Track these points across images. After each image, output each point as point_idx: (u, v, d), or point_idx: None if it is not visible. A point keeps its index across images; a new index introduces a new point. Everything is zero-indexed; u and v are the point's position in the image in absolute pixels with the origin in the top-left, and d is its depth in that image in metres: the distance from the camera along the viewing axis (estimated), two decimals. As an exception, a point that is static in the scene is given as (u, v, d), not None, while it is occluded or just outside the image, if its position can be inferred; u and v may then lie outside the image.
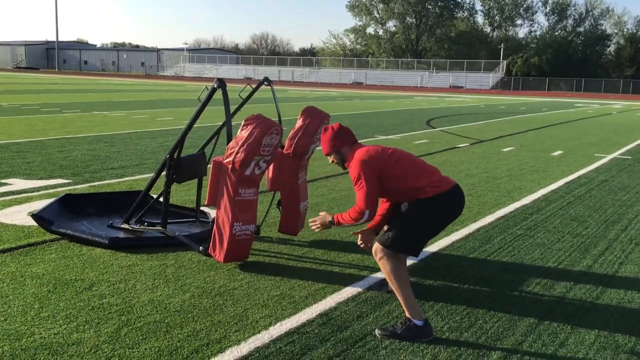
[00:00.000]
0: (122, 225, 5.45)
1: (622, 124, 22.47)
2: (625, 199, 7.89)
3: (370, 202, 3.72)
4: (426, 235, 3.88)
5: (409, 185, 3.76)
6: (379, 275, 4.60)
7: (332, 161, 4.09)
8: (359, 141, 4.09)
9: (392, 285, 3.73)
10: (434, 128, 17.60)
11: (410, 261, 4.98)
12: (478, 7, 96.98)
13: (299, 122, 5.22)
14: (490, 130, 17.54)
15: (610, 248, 5.64)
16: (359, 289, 4.34)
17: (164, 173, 5.20)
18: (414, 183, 3.75)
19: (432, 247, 5.40)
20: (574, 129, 19.00)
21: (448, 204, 3.80)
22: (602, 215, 6.95)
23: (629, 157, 12.22)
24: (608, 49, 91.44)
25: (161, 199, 5.35)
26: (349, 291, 4.31)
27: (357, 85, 72.99)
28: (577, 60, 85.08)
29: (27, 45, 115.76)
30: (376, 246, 3.78)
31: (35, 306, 3.83)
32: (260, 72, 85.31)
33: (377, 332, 3.66)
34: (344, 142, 4.00)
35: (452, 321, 3.86)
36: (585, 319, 3.99)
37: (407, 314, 3.67)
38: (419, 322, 3.61)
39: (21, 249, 4.95)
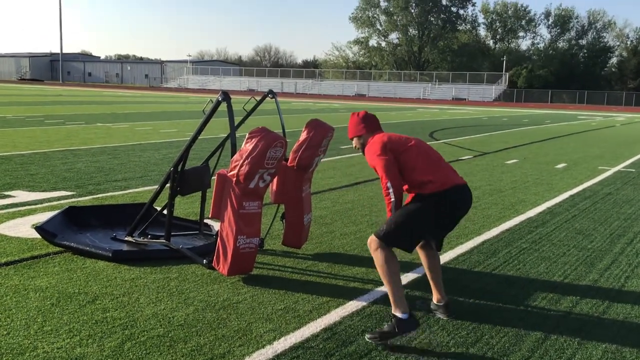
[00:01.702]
0: (126, 238, 5.44)
1: (626, 136, 22.44)
2: (630, 212, 7.85)
3: (390, 174, 3.76)
4: (421, 231, 3.89)
5: (414, 177, 3.81)
6: (383, 289, 4.57)
7: (355, 146, 4.19)
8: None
9: (382, 277, 3.77)
10: (437, 140, 17.59)
11: (415, 275, 4.97)
12: (480, 19, 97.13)
13: (303, 135, 5.22)
14: (493, 142, 17.53)
15: (616, 262, 5.60)
16: (364, 303, 4.32)
17: (168, 185, 5.20)
18: (418, 176, 3.80)
19: (437, 261, 5.36)
20: (578, 142, 18.97)
21: (446, 202, 3.80)
22: (607, 228, 6.91)
23: (633, 170, 12.19)
24: (611, 61, 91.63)
25: (165, 212, 5.34)
26: (353, 305, 4.28)
27: (360, 97, 73.10)
28: (580, 73, 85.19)
29: (32, 57, 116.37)
30: (371, 237, 3.83)
31: (39, 320, 3.81)
32: (263, 84, 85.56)
33: (366, 337, 3.71)
34: (366, 128, 4.10)
35: (458, 336, 3.83)
36: (592, 333, 3.95)
37: (393, 309, 3.71)
38: (403, 316, 3.66)
39: (25, 262, 4.93)
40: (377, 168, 3.84)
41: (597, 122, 32.95)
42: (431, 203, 3.77)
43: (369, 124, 4.12)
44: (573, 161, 13.36)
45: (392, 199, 3.77)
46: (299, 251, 5.53)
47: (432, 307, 4.19)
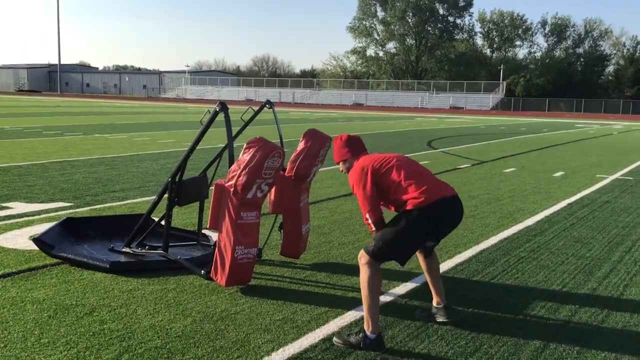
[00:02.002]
0: (124, 249, 5.42)
1: (624, 144, 22.48)
2: (629, 220, 7.86)
3: (367, 206, 3.83)
4: (411, 246, 3.92)
5: (399, 195, 3.82)
6: (381, 298, 4.55)
7: (342, 170, 4.25)
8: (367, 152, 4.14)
9: (363, 292, 3.81)
10: (435, 149, 17.62)
11: (414, 284, 4.96)
12: (477, 28, 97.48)
13: (301, 145, 5.22)
14: (491, 151, 17.55)
15: (615, 270, 5.60)
16: (362, 313, 4.29)
17: (165, 196, 5.19)
18: (403, 193, 3.81)
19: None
20: (575, 150, 19.01)
21: (434, 216, 3.79)
22: (605, 236, 6.91)
23: (631, 178, 12.20)
24: (608, 70, 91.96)
25: (163, 222, 5.33)
26: (352, 315, 4.27)
27: (358, 106, 73.23)
28: (577, 81, 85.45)
29: (30, 68, 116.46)
30: (361, 252, 3.87)
31: (36, 332, 3.79)
32: (261, 93, 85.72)
33: (334, 339, 3.80)
34: (350, 152, 4.14)
35: (457, 346, 3.82)
36: (591, 342, 3.94)
37: (365, 325, 3.75)
38: (371, 336, 3.71)
39: (22, 274, 4.92)
40: (357, 198, 3.91)
41: (594, 130, 33.02)
42: (419, 217, 3.76)
43: (353, 147, 4.16)
44: (571, 169, 13.37)
45: (373, 229, 3.86)
46: (297, 261, 5.52)
47: (432, 310, 4.19)
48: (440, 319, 4.11)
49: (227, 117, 4.87)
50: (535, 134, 27.36)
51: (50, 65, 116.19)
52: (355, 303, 4.50)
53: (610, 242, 6.64)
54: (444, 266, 5.50)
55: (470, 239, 6.58)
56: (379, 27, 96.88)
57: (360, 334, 3.74)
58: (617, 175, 12.64)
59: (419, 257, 4.23)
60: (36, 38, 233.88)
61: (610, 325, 4.25)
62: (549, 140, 23.33)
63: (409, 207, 3.76)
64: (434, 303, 4.18)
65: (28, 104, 47.38)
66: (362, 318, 4.19)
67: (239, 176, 4.45)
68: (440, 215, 3.82)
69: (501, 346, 3.83)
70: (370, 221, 3.84)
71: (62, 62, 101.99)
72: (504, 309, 4.49)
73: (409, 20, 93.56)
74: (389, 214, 3.89)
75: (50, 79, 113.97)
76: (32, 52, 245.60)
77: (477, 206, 8.51)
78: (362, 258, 3.83)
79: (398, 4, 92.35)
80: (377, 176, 3.86)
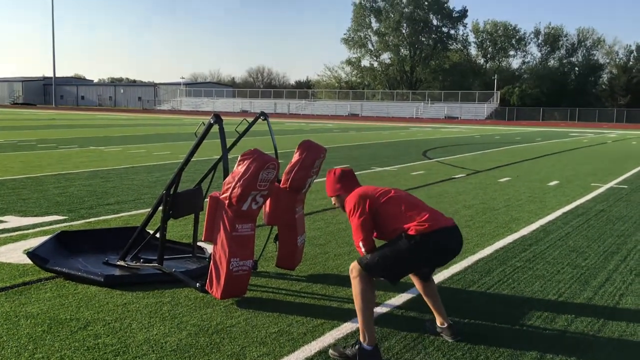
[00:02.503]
0: (118, 262, 5.40)
1: (618, 152, 22.57)
2: (624, 229, 7.87)
3: (361, 234, 3.81)
4: (404, 268, 3.92)
5: (397, 224, 3.80)
6: (377, 310, 4.54)
7: (334, 204, 4.21)
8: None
9: (356, 304, 3.80)
10: (430, 159, 17.65)
11: (410, 295, 4.95)
12: (471, 39, 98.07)
13: (296, 156, 5.22)
14: (486, 160, 17.59)
15: (610, 279, 5.60)
16: (358, 324, 4.28)
17: (160, 208, 5.17)
18: (400, 223, 3.79)
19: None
20: (570, 159, 19.06)
21: (432, 244, 3.76)
22: (600, 245, 6.92)
23: (626, 187, 12.23)
24: (601, 79, 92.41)
25: (158, 235, 5.31)
26: (347, 327, 4.25)
27: (353, 116, 73.40)
28: (571, 90, 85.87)
29: (25, 81, 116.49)
30: (354, 264, 3.86)
31: (30, 347, 3.76)
32: (256, 105, 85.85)
33: (330, 351, 3.79)
34: (343, 187, 4.09)
35: (454, 357, 3.81)
36: (588, 352, 3.94)
37: (360, 337, 3.74)
38: (367, 347, 3.70)
39: (16, 288, 4.89)
40: (352, 227, 3.89)
41: (588, 139, 33.14)
42: (420, 242, 3.73)
43: (346, 182, 4.12)
44: (565, 178, 13.40)
45: (365, 254, 3.84)
46: (293, 273, 5.51)
47: (437, 329, 4.16)
48: (447, 338, 4.08)
49: (221, 129, 4.87)
50: (530, 143, 27.45)
51: (45, 78, 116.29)
52: (351, 314, 4.47)
53: (605, 251, 6.64)
54: (440, 276, 5.49)
55: (466, 249, 6.57)
56: (374, 38, 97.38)
57: (356, 346, 3.72)
58: (612, 183, 12.67)
59: (415, 281, 4.21)
60: (31, 51, 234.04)
61: (606, 335, 4.25)
62: (543, 149, 23.40)
63: (411, 232, 3.73)
64: (438, 323, 4.15)
65: (23, 117, 47.33)
66: (357, 330, 4.18)
67: (233, 188, 4.44)
68: (440, 243, 3.81)
69: (498, 357, 3.82)
70: (363, 250, 3.83)
71: (57, 75, 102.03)
72: (500, 319, 4.48)
73: (403, 31, 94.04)
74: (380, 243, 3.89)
75: (45, 91, 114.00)
76: (27, 65, 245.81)
77: (473, 216, 8.51)
78: (354, 270, 3.82)
79: (392, 15, 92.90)
80: (376, 205, 3.85)
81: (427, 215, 3.79)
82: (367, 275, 3.79)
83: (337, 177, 4.14)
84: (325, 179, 4.29)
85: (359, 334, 3.79)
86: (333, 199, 4.20)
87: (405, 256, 3.76)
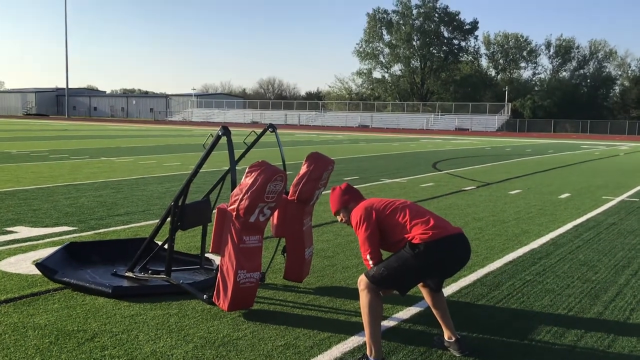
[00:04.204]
0: (126, 274, 5.41)
1: (630, 165, 22.41)
2: (635, 243, 7.79)
3: (369, 247, 3.82)
4: (411, 279, 3.90)
5: (404, 234, 3.81)
6: (385, 323, 4.52)
7: (341, 219, 4.20)
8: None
9: (364, 317, 3.80)
10: (440, 171, 17.60)
11: (417, 308, 4.92)
12: (482, 50, 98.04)
13: (304, 168, 5.23)
14: (496, 172, 17.52)
15: (621, 294, 5.54)
16: (365, 338, 4.25)
17: (169, 220, 5.19)
18: (406, 234, 3.79)
19: (440, 294, 5.31)
20: (581, 171, 18.95)
21: (437, 252, 3.76)
22: (611, 259, 6.85)
23: (638, 200, 12.13)
24: (613, 91, 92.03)
25: (166, 246, 5.32)
26: (354, 340, 4.23)
27: (363, 128, 73.45)
28: (583, 102, 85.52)
29: (38, 92, 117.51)
30: (361, 277, 3.87)
31: (37, 358, 3.77)
32: (267, 116, 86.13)
33: None
34: (351, 199, 4.12)
35: (461, 372, 3.77)
36: (598, 368, 3.89)
37: (367, 351, 3.75)
38: None
39: (24, 299, 4.90)
40: (359, 239, 3.90)
41: (600, 151, 32.95)
42: (425, 251, 3.73)
43: (353, 193, 4.16)
44: (577, 191, 13.32)
45: (372, 267, 3.83)
46: (300, 285, 5.49)
47: (445, 344, 4.13)
48: (455, 353, 4.04)
49: (229, 141, 4.88)
50: (541, 155, 27.32)
51: (57, 89, 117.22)
52: (359, 328, 4.45)
53: (616, 265, 6.58)
54: (449, 289, 5.46)
55: (475, 262, 6.53)
56: (385, 50, 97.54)
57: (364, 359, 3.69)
58: (624, 196, 12.57)
59: (424, 293, 4.19)
60: (44, 62, 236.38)
61: (616, 350, 4.20)
62: (554, 161, 23.28)
63: (415, 241, 3.74)
64: (446, 337, 4.12)
65: (35, 127, 47.73)
66: (364, 343, 4.16)
67: (241, 200, 4.44)
68: (447, 252, 3.80)
69: (506, 372, 3.78)
70: (371, 263, 3.83)
71: (69, 86, 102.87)
72: (509, 334, 4.44)
73: (414, 43, 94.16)
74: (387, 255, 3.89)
75: (58, 102, 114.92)
76: (40, 77, 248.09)
77: (482, 228, 8.47)
78: (362, 283, 3.82)
79: (404, 28, 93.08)
80: (381, 217, 3.86)
81: (432, 224, 3.79)
82: (375, 288, 3.77)
83: (343, 190, 4.18)
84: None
85: (365, 348, 3.77)
86: (340, 215, 4.20)
87: (410, 266, 3.75)
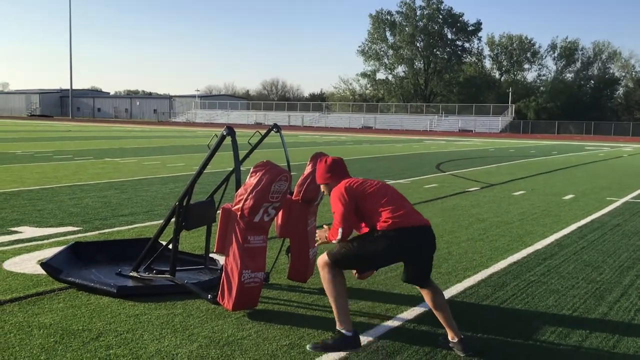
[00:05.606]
0: (131, 273, 5.42)
1: (634, 166, 22.36)
2: (640, 244, 7.78)
3: (343, 221, 3.96)
4: (371, 264, 4.14)
5: (375, 218, 3.97)
6: (389, 323, 4.53)
7: (324, 191, 4.40)
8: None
9: (328, 293, 3.99)
10: (444, 172, 17.58)
11: (422, 309, 4.91)
12: (486, 52, 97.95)
13: (308, 169, 5.23)
14: (500, 173, 17.50)
15: (626, 294, 5.53)
16: (370, 338, 4.26)
17: (173, 220, 5.19)
18: (379, 217, 3.95)
19: (444, 294, 5.30)
20: (585, 172, 18.91)
21: (400, 241, 3.91)
22: (616, 260, 6.84)
23: (642, 200, 12.10)
24: (617, 92, 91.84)
25: (170, 246, 5.33)
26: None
27: (367, 129, 73.44)
28: (587, 103, 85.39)
29: (42, 93, 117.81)
30: (322, 256, 4.05)
31: (42, 358, 3.78)
32: (270, 117, 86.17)
33: (308, 347, 3.95)
34: (333, 176, 4.25)
35: (466, 372, 3.77)
36: (603, 368, 3.88)
37: (338, 325, 3.94)
38: (347, 333, 3.88)
39: (29, 299, 4.92)
40: (335, 214, 4.02)
41: (604, 152, 32.89)
42: (382, 237, 3.91)
43: (336, 171, 4.28)
44: (581, 192, 13.29)
45: (338, 237, 3.96)
46: (304, 285, 5.49)
47: (449, 344, 4.12)
48: (459, 353, 4.03)
49: (234, 141, 4.89)
50: (545, 156, 27.28)
51: (62, 91, 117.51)
52: (363, 328, 4.45)
53: (621, 266, 6.57)
54: (453, 290, 5.46)
55: (480, 262, 6.53)
56: (389, 52, 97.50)
57: (337, 335, 3.91)
58: (628, 198, 12.55)
59: (424, 294, 4.20)
60: (49, 64, 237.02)
61: (621, 351, 4.19)
62: (558, 162, 23.25)
63: (378, 227, 3.92)
64: (449, 337, 4.10)
65: (40, 128, 47.84)
66: (369, 344, 4.16)
67: (245, 200, 4.45)
68: (405, 241, 3.93)
69: (511, 372, 3.77)
70: (340, 234, 3.95)
71: (73, 87, 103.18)
72: (513, 334, 4.44)
73: (418, 45, 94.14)
74: None
75: (62, 103, 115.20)
76: (44, 78, 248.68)
77: (487, 229, 8.46)
78: (320, 261, 4.02)
79: (407, 29, 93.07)
80: (361, 195, 4.02)
81: (400, 213, 3.94)
82: (334, 265, 3.98)
83: (327, 166, 4.29)
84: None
85: (336, 325, 3.97)
86: (322, 187, 4.36)
87: (368, 250, 3.94)
